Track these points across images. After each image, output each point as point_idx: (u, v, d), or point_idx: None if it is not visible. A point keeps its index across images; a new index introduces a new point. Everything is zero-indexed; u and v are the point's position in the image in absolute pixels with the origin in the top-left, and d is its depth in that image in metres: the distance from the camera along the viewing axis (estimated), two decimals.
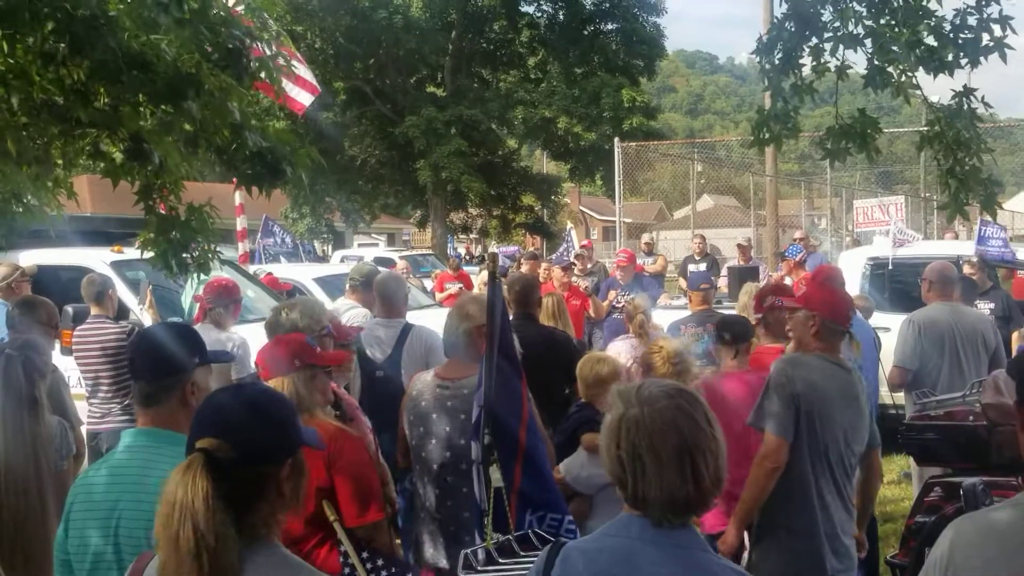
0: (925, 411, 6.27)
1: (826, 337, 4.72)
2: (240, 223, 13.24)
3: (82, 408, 6.88)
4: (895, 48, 5.30)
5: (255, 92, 5.90)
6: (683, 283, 14.76)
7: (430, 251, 32.74)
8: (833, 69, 5.64)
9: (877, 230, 14.44)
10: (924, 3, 5.34)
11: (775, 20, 5.81)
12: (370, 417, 5.13)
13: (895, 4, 5.36)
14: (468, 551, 3.54)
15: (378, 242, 45.14)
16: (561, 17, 34.42)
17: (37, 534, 3.64)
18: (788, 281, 11.21)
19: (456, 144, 29.58)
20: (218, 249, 5.53)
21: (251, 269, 12.65)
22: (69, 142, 5.23)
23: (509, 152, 37.10)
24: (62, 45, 4.38)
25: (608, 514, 3.48)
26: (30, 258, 9.17)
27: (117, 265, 9.39)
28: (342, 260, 25.10)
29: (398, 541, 4.98)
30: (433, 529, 4.47)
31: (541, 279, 10.65)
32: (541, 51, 35.48)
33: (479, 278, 16.46)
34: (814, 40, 5.64)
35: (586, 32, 33.78)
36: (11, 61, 4.56)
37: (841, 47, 5.50)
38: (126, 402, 7.02)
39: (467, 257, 37.31)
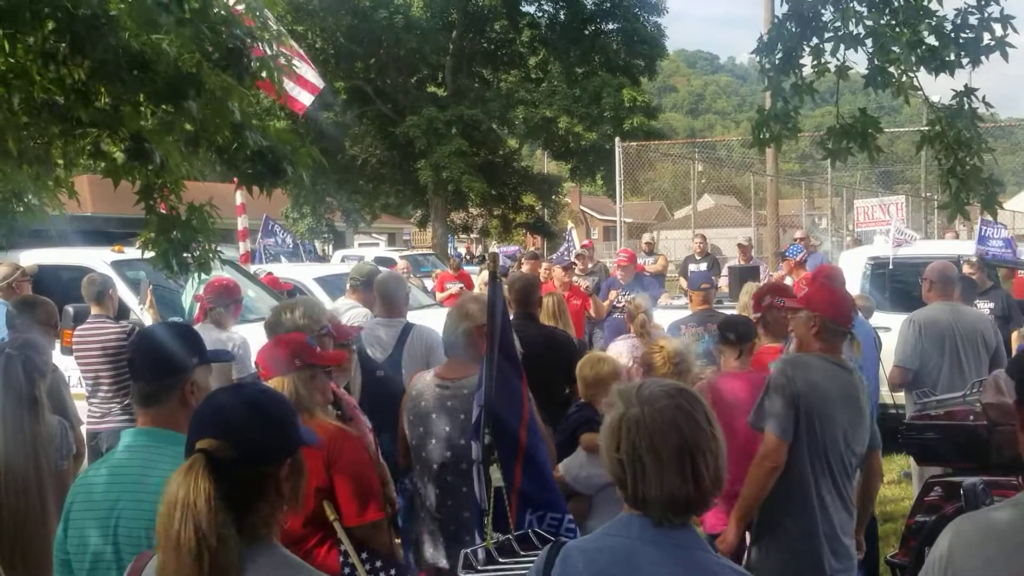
0: (925, 411, 6.26)
1: (827, 337, 4.72)
2: (241, 223, 13.25)
3: (82, 408, 6.88)
4: (896, 48, 5.30)
5: (256, 92, 5.90)
6: (684, 283, 14.80)
7: (431, 251, 32.73)
8: (833, 69, 5.64)
9: (878, 230, 14.43)
10: (925, 3, 5.34)
11: (776, 20, 5.81)
12: (370, 417, 5.13)
13: (896, 4, 5.36)
14: (468, 550, 3.55)
15: (379, 242, 45.13)
16: (562, 17, 34.42)
17: (37, 534, 3.64)
18: (789, 281, 11.22)
19: (457, 144, 29.58)
20: (219, 249, 5.53)
21: (252, 269, 12.65)
22: (70, 142, 5.23)
23: (510, 152, 37.10)
24: (63, 45, 4.38)
25: (607, 514, 3.48)
26: (31, 258, 9.17)
27: (118, 265, 9.39)
28: (343, 260, 25.10)
29: (398, 541, 4.98)
30: (433, 529, 4.47)
31: (542, 279, 10.65)
32: (542, 51, 35.49)
33: (480, 278, 16.46)
34: (814, 40, 5.64)
35: (587, 32, 33.78)
36: (12, 60, 4.56)
37: (842, 47, 5.50)
38: (126, 402, 7.02)
39: (468, 257, 37.29)
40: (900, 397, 7.68)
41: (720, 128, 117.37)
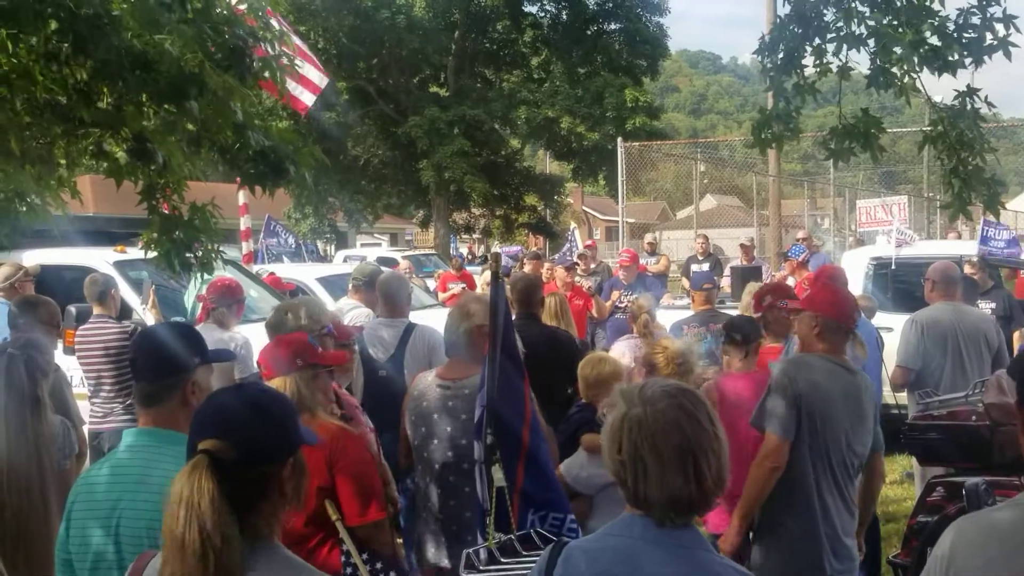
0: (928, 411, 6.26)
1: (829, 337, 4.71)
2: (244, 223, 13.24)
3: (84, 408, 6.89)
4: (898, 48, 5.29)
5: (258, 91, 5.90)
6: (686, 283, 14.79)
7: (433, 251, 32.73)
8: (835, 69, 5.64)
9: (880, 230, 14.43)
10: (927, 3, 5.33)
11: (778, 20, 5.81)
12: (373, 417, 5.14)
13: (898, 4, 5.35)
14: (470, 550, 3.54)
15: (381, 242, 45.15)
16: (564, 17, 34.43)
17: (39, 533, 3.64)
18: (791, 281, 11.22)
19: (459, 144, 29.59)
20: (221, 249, 5.53)
21: (254, 269, 12.66)
22: (72, 142, 5.23)
23: (512, 152, 37.10)
24: (65, 45, 4.38)
25: (609, 514, 3.48)
26: (33, 258, 9.17)
27: (120, 265, 9.39)
28: (345, 260, 25.10)
29: (400, 541, 4.98)
30: (435, 529, 4.48)
31: (544, 279, 10.65)
32: (544, 51, 35.50)
33: (482, 278, 16.44)
34: (817, 40, 5.64)
35: (589, 32, 33.76)
36: (14, 60, 4.56)
37: (844, 47, 5.50)
38: (128, 402, 7.03)
39: (470, 257, 37.30)
40: (902, 397, 7.67)
41: (722, 128, 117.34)
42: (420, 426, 4.50)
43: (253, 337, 6.80)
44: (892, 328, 8.66)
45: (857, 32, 5.43)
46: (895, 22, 5.34)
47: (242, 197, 12.28)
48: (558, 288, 10.32)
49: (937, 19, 5.26)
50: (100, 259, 9.49)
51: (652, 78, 35.63)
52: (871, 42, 5.42)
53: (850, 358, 4.88)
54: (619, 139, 20.32)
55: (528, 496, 3.76)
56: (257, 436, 2.24)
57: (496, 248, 33.87)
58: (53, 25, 4.26)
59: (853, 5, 5.46)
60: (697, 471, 2.27)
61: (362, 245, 40.20)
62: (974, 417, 5.79)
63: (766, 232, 26.56)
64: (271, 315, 5.24)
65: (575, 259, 13.93)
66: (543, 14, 35.13)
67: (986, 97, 5.40)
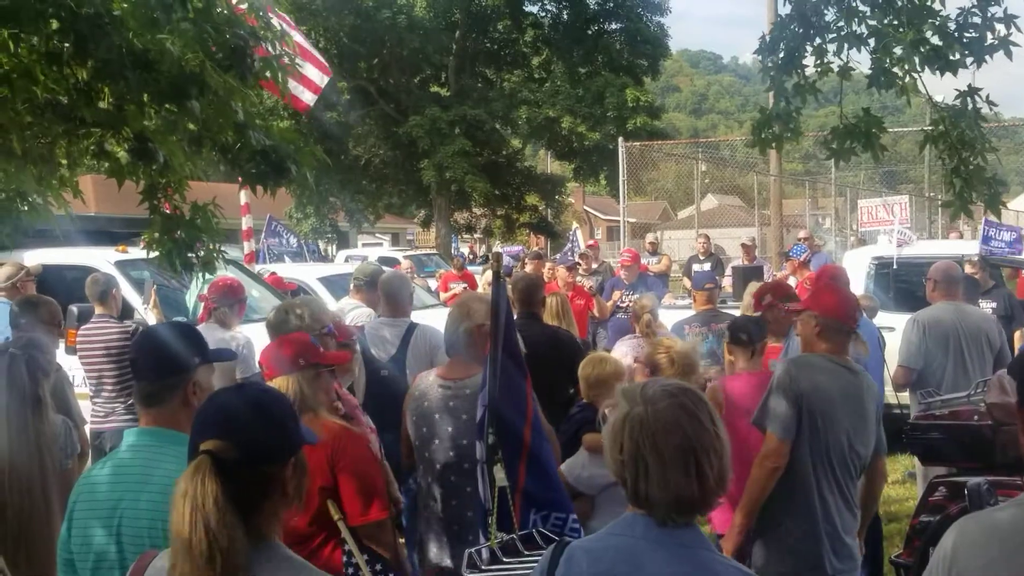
0: (930, 410, 6.26)
1: (831, 337, 4.71)
2: (245, 223, 13.24)
3: (86, 407, 6.90)
4: (899, 48, 5.29)
5: (259, 91, 5.90)
6: (687, 283, 14.78)
7: (434, 251, 32.75)
8: (836, 69, 5.64)
9: (881, 229, 14.43)
10: (928, 2, 5.33)
11: (779, 19, 5.81)
12: (375, 416, 5.14)
13: (899, 3, 5.35)
14: (472, 550, 3.54)
15: (382, 242, 45.19)
16: (565, 17, 34.45)
17: (41, 533, 3.64)
18: (792, 281, 11.21)
19: (460, 144, 29.60)
20: (223, 249, 5.53)
21: (255, 269, 12.66)
22: (73, 141, 5.23)
23: (513, 152, 37.10)
24: (66, 44, 4.38)
25: (610, 514, 3.48)
26: (35, 257, 9.18)
27: (121, 265, 9.40)
28: (346, 260, 25.12)
29: (402, 540, 4.98)
30: (437, 529, 4.47)
31: (545, 279, 10.65)
32: (545, 51, 35.52)
33: (483, 278, 16.44)
34: (817, 40, 5.64)
35: (590, 32, 33.78)
36: (15, 60, 4.56)
37: (845, 47, 5.50)
38: (129, 401, 7.03)
39: (471, 257, 37.31)
40: (904, 397, 7.67)
41: (723, 128, 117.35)
42: (421, 426, 4.49)
43: (255, 337, 6.80)
44: (894, 328, 8.66)
45: (858, 32, 5.44)
46: (896, 22, 5.34)
47: (244, 197, 12.28)
48: (559, 288, 10.33)
49: (938, 19, 5.27)
50: (102, 259, 9.50)
51: (653, 78, 35.65)
52: (872, 41, 5.42)
53: (852, 356, 4.88)
54: (620, 139, 20.32)
55: (530, 496, 3.76)
56: (259, 436, 2.24)
57: (497, 248, 33.87)
58: (54, 25, 4.26)
59: (854, 5, 5.46)
60: (699, 471, 2.27)
61: (363, 245, 40.25)
62: (976, 417, 5.79)
63: (767, 232, 26.53)
64: (272, 315, 5.24)
65: (576, 259, 13.94)
66: (544, 14, 35.16)
67: (987, 96, 5.40)
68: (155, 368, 3.11)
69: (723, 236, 28.81)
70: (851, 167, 30.70)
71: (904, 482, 9.09)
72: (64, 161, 5.50)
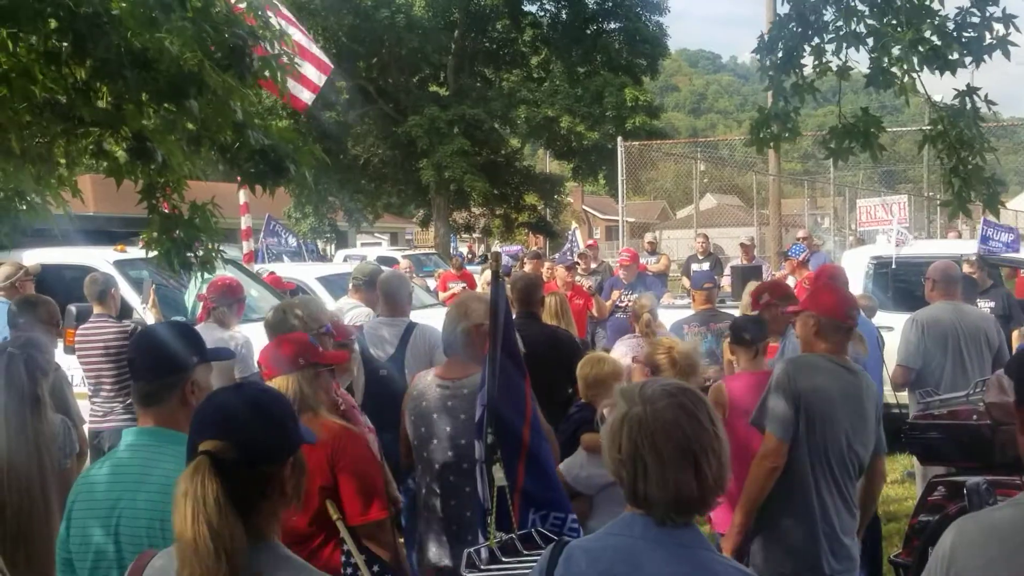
0: (929, 410, 6.26)
1: (829, 336, 4.71)
2: (244, 222, 13.24)
3: (84, 407, 6.89)
4: (897, 48, 5.29)
5: (258, 90, 5.90)
6: (686, 282, 14.79)
7: (433, 250, 32.76)
8: (835, 69, 5.63)
9: (880, 229, 14.42)
10: (927, 2, 5.33)
11: (777, 18, 5.80)
12: (374, 416, 5.14)
13: (898, 3, 5.35)
14: (471, 550, 3.54)
15: (381, 241, 45.22)
16: (564, 16, 34.45)
17: (40, 532, 3.64)
18: (791, 280, 11.22)
19: (459, 143, 29.60)
20: (222, 248, 5.52)
21: (254, 268, 12.66)
22: (72, 141, 5.22)
23: (512, 151, 37.11)
24: (65, 44, 4.38)
25: (609, 514, 3.48)
26: (34, 257, 9.19)
27: (120, 264, 9.40)
28: (345, 259, 25.13)
29: (402, 540, 4.98)
30: (436, 528, 4.47)
31: (544, 278, 10.65)
32: (544, 50, 35.52)
33: (482, 277, 16.45)
34: (816, 40, 5.63)
35: (589, 31, 33.78)
36: (14, 60, 4.56)
37: (844, 46, 5.49)
38: (128, 401, 7.03)
39: (470, 256, 37.35)
40: (903, 397, 7.67)
41: (722, 127, 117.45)
42: (420, 426, 4.49)
43: (254, 336, 6.80)
44: (893, 327, 8.66)
45: (856, 31, 5.43)
46: (894, 21, 5.34)
47: (242, 196, 12.28)
48: (558, 287, 10.32)
49: (937, 18, 5.27)
50: (100, 258, 9.50)
51: (652, 77, 35.65)
52: (870, 41, 5.42)
53: (851, 356, 4.88)
54: (619, 138, 20.32)
55: (529, 495, 3.76)
56: (258, 436, 2.24)
57: (496, 247, 33.92)
58: (53, 24, 4.26)
59: (853, 4, 5.46)
60: (697, 470, 2.27)
61: (362, 244, 40.29)
62: (975, 416, 5.79)
63: (766, 231, 26.55)
64: (270, 314, 5.24)
65: (576, 258, 13.94)
66: (543, 13, 35.18)
67: (986, 96, 5.40)
68: (153, 368, 3.10)
69: (722, 236, 28.84)
70: (850, 167, 30.70)
71: (903, 482, 9.10)
72: (63, 160, 5.50)
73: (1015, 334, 9.16)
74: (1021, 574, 2.18)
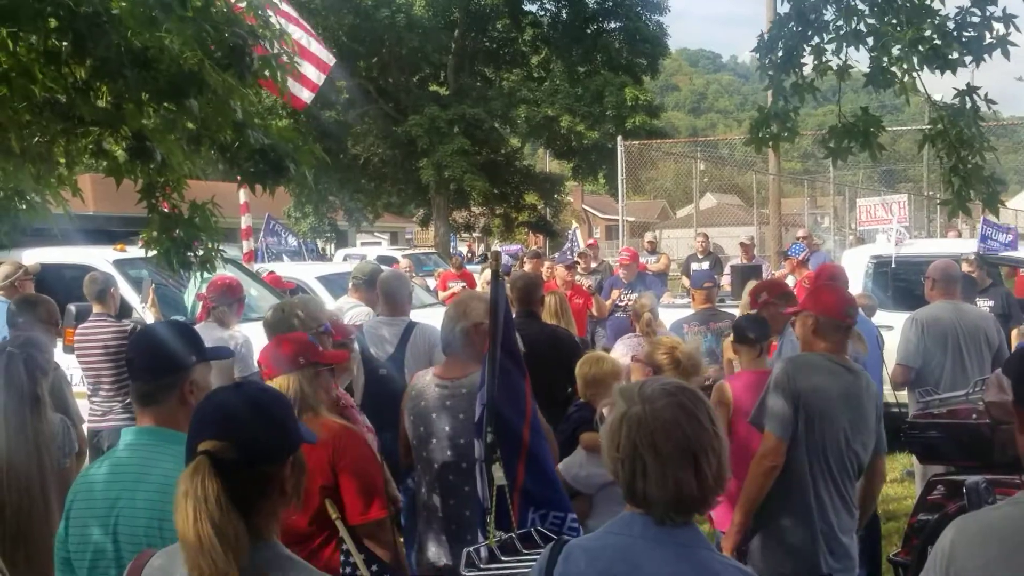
0: (928, 409, 6.26)
1: (828, 335, 4.71)
2: (244, 221, 13.24)
3: (84, 406, 6.89)
4: (897, 47, 5.29)
5: (258, 90, 5.89)
6: (686, 282, 14.79)
7: (433, 250, 32.79)
8: (835, 68, 5.63)
9: (880, 228, 14.42)
10: (927, 1, 5.33)
11: (778, 17, 5.80)
12: (373, 415, 5.13)
13: (898, 2, 5.35)
14: (471, 549, 3.54)
15: (381, 241, 45.26)
16: (564, 16, 34.48)
17: (40, 531, 3.64)
18: (791, 280, 11.21)
19: (459, 143, 29.61)
20: (221, 248, 5.52)
21: (254, 267, 12.66)
22: (72, 140, 5.22)
23: (512, 151, 37.12)
24: (65, 43, 4.38)
25: (608, 513, 3.48)
26: (34, 256, 9.19)
27: (120, 263, 9.41)
28: (345, 259, 25.14)
29: (401, 539, 4.98)
30: (435, 528, 4.47)
31: (544, 277, 10.65)
32: (544, 50, 35.54)
33: (482, 276, 16.45)
34: (816, 39, 5.63)
35: (589, 31, 33.79)
36: (14, 59, 4.56)
37: (844, 45, 5.49)
38: (127, 400, 7.02)
39: (470, 256, 37.36)
40: (903, 396, 7.68)
41: (722, 127, 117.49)
42: (419, 425, 4.49)
43: (253, 336, 6.80)
44: (892, 326, 8.66)
45: (856, 30, 5.43)
46: (895, 21, 5.34)
47: (242, 196, 12.28)
48: (558, 287, 10.32)
49: (937, 18, 5.26)
50: (100, 258, 9.51)
51: (652, 77, 35.67)
52: (871, 40, 5.42)
53: (851, 355, 4.88)
54: (619, 138, 20.33)
55: (529, 494, 3.76)
56: (258, 435, 2.24)
57: (496, 247, 33.90)
58: (52, 23, 4.25)
59: (853, 3, 5.45)
60: (697, 470, 2.27)
61: (362, 244, 40.34)
62: (974, 415, 5.79)
63: (766, 231, 26.55)
64: (269, 314, 5.24)
65: (576, 258, 13.95)
66: (543, 13, 35.20)
67: (986, 95, 5.40)
68: (151, 367, 3.09)
69: (722, 235, 28.83)
70: (850, 166, 30.71)
71: (902, 480, 9.10)
72: (62, 160, 5.50)
73: (1014, 333, 9.15)
74: (1020, 573, 2.18)
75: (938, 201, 11.23)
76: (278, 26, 5.38)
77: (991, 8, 5.12)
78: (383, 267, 8.23)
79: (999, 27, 5.10)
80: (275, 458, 2.26)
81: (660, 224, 40.26)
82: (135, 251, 8.70)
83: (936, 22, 5.25)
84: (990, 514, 2.37)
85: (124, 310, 8.34)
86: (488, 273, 3.97)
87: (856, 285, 9.87)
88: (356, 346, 5.79)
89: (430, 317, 7.66)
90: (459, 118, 30.19)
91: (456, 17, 33.41)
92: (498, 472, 3.67)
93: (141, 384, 3.10)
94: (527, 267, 12.55)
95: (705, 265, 14.88)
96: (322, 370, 4.13)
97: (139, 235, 5.53)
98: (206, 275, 6.05)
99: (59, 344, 6.92)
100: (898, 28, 5.28)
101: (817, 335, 4.71)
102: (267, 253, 18.64)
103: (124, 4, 4.42)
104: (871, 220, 17.64)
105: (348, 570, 3.83)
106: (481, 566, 3.48)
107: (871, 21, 5.40)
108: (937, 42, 5.24)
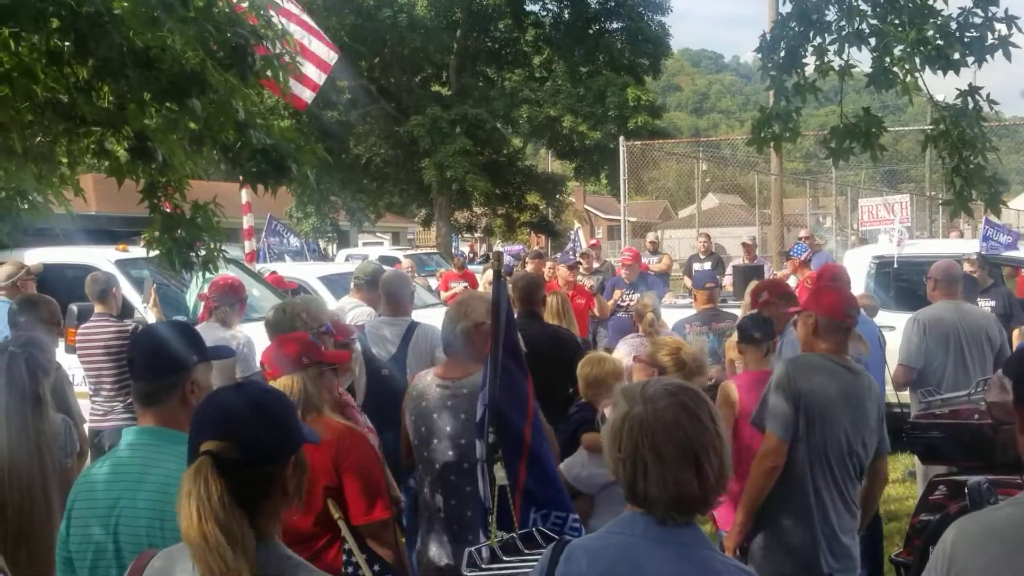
0: (930, 409, 6.25)
1: (829, 336, 4.71)
2: (246, 221, 13.25)
3: (85, 406, 6.90)
4: (899, 48, 5.29)
5: (260, 90, 5.90)
6: (688, 282, 14.79)
7: (435, 250, 32.79)
8: (837, 68, 5.63)
9: (882, 228, 14.43)
10: (930, 2, 5.33)
11: (780, 18, 5.80)
12: (375, 416, 5.14)
13: (900, 3, 5.35)
14: (472, 549, 3.54)
15: (383, 241, 45.25)
16: (566, 16, 34.49)
17: (41, 531, 3.64)
18: (793, 280, 11.21)
19: (461, 143, 29.62)
20: (223, 248, 5.52)
21: (256, 268, 12.67)
22: (74, 140, 5.22)
23: (514, 151, 37.13)
24: (67, 43, 4.38)
25: (610, 513, 3.48)
26: (36, 256, 9.20)
27: (122, 263, 9.41)
28: (347, 259, 25.11)
29: (403, 540, 4.98)
30: (437, 528, 4.47)
31: (546, 278, 10.64)
32: (546, 50, 35.53)
33: (484, 277, 16.45)
34: (818, 39, 5.63)
35: (591, 31, 33.80)
36: (16, 59, 4.56)
37: (846, 46, 5.49)
38: (128, 400, 7.03)
39: (472, 256, 37.35)
40: (905, 396, 7.67)
41: (724, 127, 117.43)
42: (420, 426, 4.49)
43: (255, 336, 6.80)
44: (894, 327, 8.66)
45: (859, 30, 5.43)
46: (897, 21, 5.34)
47: (244, 196, 12.29)
48: (560, 287, 10.32)
49: (939, 18, 5.27)
50: (102, 257, 9.52)
51: (654, 77, 35.67)
52: (873, 41, 5.42)
53: (852, 355, 4.88)
54: (621, 138, 20.31)
55: (530, 494, 3.76)
56: (260, 435, 2.24)
57: (498, 247, 33.91)
58: (55, 23, 4.25)
59: (855, 4, 5.46)
60: (699, 470, 2.27)
61: (364, 244, 40.30)
62: (976, 416, 5.78)
63: (768, 231, 26.53)
64: (270, 314, 5.24)
65: (578, 258, 13.95)
66: (545, 13, 35.22)
67: (988, 96, 5.40)
68: (153, 367, 3.09)
69: (724, 235, 28.81)
70: (852, 166, 30.69)
71: (904, 481, 9.09)
72: (64, 160, 5.50)
73: (1016, 333, 9.15)
74: (1022, 574, 2.18)
75: (940, 201, 11.23)
76: (280, 26, 5.38)
77: (993, 9, 5.13)
78: (385, 267, 8.23)
79: (1001, 28, 5.11)
80: (277, 458, 2.26)
81: (662, 224, 40.22)
82: (137, 251, 8.70)
83: (938, 23, 5.26)
84: (992, 514, 2.37)
85: (126, 310, 8.34)
86: (490, 273, 3.97)
87: (858, 285, 9.87)
88: (358, 346, 5.79)
89: (432, 317, 7.66)
90: (461, 118, 30.19)
91: (458, 17, 33.42)
92: (500, 472, 3.66)
93: (142, 384, 3.10)
94: (529, 267, 12.55)
95: (707, 265, 14.88)
96: (325, 370, 4.13)
97: (141, 235, 5.53)
98: (208, 275, 6.06)
99: (61, 344, 6.91)
100: (900, 28, 5.28)
101: (818, 335, 4.71)
102: (269, 253, 18.63)
103: (126, 4, 4.42)
104: (873, 220, 17.66)
105: (350, 570, 3.83)
106: (483, 566, 3.48)
107: (873, 21, 5.40)
108: (939, 43, 5.24)
